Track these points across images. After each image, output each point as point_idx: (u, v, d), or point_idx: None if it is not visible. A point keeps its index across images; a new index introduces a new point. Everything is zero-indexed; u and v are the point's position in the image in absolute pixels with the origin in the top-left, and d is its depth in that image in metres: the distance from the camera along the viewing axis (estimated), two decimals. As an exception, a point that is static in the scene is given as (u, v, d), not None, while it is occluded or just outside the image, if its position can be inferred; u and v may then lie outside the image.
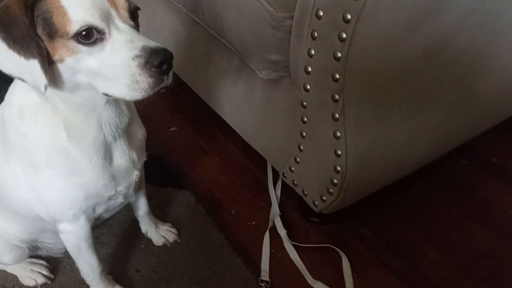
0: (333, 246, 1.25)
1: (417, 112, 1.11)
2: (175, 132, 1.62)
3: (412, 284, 1.18)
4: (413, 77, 1.01)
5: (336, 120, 0.99)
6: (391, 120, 1.07)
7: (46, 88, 0.69)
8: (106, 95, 0.74)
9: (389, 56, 0.92)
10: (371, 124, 1.04)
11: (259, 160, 1.43)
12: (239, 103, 1.31)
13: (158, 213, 1.30)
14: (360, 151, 1.06)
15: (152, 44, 0.70)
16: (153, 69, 0.70)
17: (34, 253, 1.16)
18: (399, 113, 1.07)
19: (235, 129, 1.41)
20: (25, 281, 1.16)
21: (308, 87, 1.00)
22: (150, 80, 0.70)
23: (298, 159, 1.17)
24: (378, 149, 1.10)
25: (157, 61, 0.69)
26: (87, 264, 1.04)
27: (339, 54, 0.88)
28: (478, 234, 1.29)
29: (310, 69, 0.97)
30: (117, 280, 1.15)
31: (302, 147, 1.14)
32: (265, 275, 1.18)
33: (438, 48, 0.97)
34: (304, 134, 1.10)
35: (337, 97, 0.95)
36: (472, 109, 1.25)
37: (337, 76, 0.92)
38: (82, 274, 1.08)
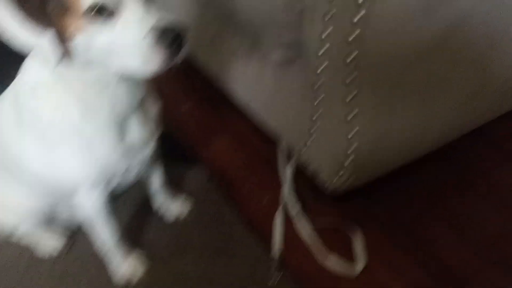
0: (345, 225, 1.25)
1: (432, 96, 1.09)
2: (187, 112, 1.63)
3: (424, 263, 1.18)
4: (428, 61, 0.99)
5: (350, 100, 0.98)
6: (405, 102, 1.05)
7: (57, 64, 0.70)
8: (118, 72, 0.74)
9: (404, 37, 0.91)
10: (385, 106, 1.03)
11: (271, 140, 1.44)
12: (251, 83, 1.31)
13: (171, 189, 1.32)
14: (374, 131, 1.05)
15: (165, 21, 0.70)
16: (165, 46, 0.70)
17: (50, 224, 1.20)
18: (413, 96, 1.05)
19: (246, 109, 1.41)
20: (42, 250, 1.20)
21: (322, 67, 0.99)
22: (162, 57, 0.71)
23: (311, 139, 1.17)
24: (393, 129, 1.09)
25: (168, 38, 0.70)
26: (103, 235, 1.07)
27: (354, 35, 0.87)
28: (492, 218, 1.28)
29: (323, 49, 0.95)
30: (131, 251, 1.18)
31: (314, 127, 1.13)
32: (276, 251, 1.20)
33: (455, 30, 0.95)
34: (316, 115, 1.10)
35: (351, 78, 0.94)
36: (487, 92, 1.22)
37: (352, 56, 0.90)
38: (98, 244, 1.11)
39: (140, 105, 0.91)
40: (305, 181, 1.37)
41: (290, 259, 1.20)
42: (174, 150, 1.46)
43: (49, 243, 1.20)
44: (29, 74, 0.83)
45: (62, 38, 0.71)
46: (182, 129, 1.55)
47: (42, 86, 0.81)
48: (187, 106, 1.65)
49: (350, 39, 0.87)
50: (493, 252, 1.21)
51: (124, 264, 1.14)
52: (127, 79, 0.83)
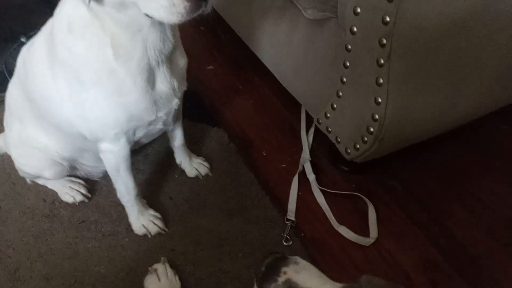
0: (360, 195, 1.26)
1: (464, 68, 1.07)
2: (212, 71, 1.62)
3: (436, 239, 1.19)
4: (466, 30, 0.96)
5: (380, 66, 0.97)
6: (437, 73, 1.03)
7: (90, 0, 0.70)
8: (147, 16, 0.74)
9: (444, 2, 0.88)
10: (416, 74, 1.01)
11: (293, 105, 1.43)
12: (280, 44, 1.29)
13: (192, 147, 1.33)
14: (401, 100, 1.04)
15: None
16: None
17: (73, 173, 1.22)
18: (446, 67, 1.03)
19: (272, 71, 1.39)
20: (64, 197, 1.23)
21: (355, 29, 0.97)
22: (187, 4, 0.70)
23: (335, 105, 1.16)
24: (419, 101, 1.08)
25: None
26: (124, 186, 1.08)
27: (393, -5, 0.85)
28: (510, 199, 1.27)
29: (359, 10, 0.93)
30: (150, 205, 1.20)
31: (340, 93, 1.12)
32: (291, 214, 1.21)
33: (489, 4, 0.92)
34: (345, 79, 1.09)
35: (384, 41, 0.92)
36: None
37: (388, 19, 0.88)
38: (118, 195, 1.13)
39: (170, 56, 0.91)
40: (325, 148, 1.37)
41: (304, 224, 1.21)
42: (197, 109, 1.46)
43: (72, 191, 1.22)
44: (65, 11, 0.83)
45: None
46: (205, 88, 1.55)
47: (78, 23, 0.81)
48: (212, 66, 1.64)
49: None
50: (506, 234, 1.20)
51: (142, 219, 1.16)
52: (159, 26, 0.83)
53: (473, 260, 1.16)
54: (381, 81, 0.99)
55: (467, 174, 1.34)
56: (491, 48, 1.05)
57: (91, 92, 0.86)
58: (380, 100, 1.02)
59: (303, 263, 0.65)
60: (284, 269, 0.63)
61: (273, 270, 0.64)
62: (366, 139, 1.12)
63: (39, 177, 1.20)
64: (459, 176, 1.33)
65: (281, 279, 0.63)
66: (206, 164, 1.30)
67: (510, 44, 1.07)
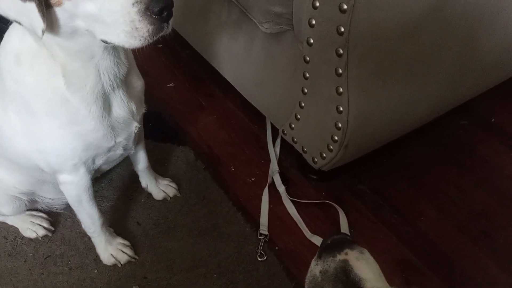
0: (331, 202, 1.26)
1: (420, 70, 1.09)
2: (173, 89, 1.60)
3: (408, 240, 1.21)
4: (418, 34, 0.99)
5: (339, 75, 0.98)
6: (394, 77, 1.05)
7: (43, 32, 0.67)
8: (105, 42, 0.72)
9: (395, 9, 0.90)
10: (374, 80, 1.02)
11: (258, 118, 1.42)
12: (239, 58, 1.28)
13: (158, 168, 1.30)
14: (362, 107, 1.05)
15: None
16: (154, 16, 0.68)
17: (33, 206, 1.17)
18: (403, 71, 1.05)
19: (234, 85, 1.39)
20: (26, 233, 1.17)
21: (312, 41, 0.98)
22: (150, 27, 0.69)
23: (299, 116, 1.16)
24: (380, 106, 1.09)
25: (157, 7, 0.67)
26: (88, 216, 1.04)
27: (345, 6, 0.86)
28: (475, 193, 1.31)
29: (314, 22, 0.94)
30: (118, 233, 1.16)
31: (303, 104, 1.13)
32: (264, 229, 1.20)
33: (444, 3, 0.95)
34: (306, 90, 1.09)
35: (341, 51, 0.93)
36: (474, 68, 1.23)
37: (342, 29, 0.89)
38: (83, 226, 1.09)
39: (125, 79, 0.89)
40: (292, 158, 1.37)
41: (277, 237, 1.21)
42: (159, 129, 1.43)
43: (33, 225, 1.17)
44: (11, 43, 0.80)
45: (48, 5, 0.67)
46: (167, 106, 1.53)
47: (26, 54, 0.78)
48: (173, 83, 1.61)
49: (344, 8, 0.86)
50: (475, 227, 1.24)
51: (110, 248, 1.12)
52: (113, 50, 0.80)
53: (445, 256, 1.18)
54: (341, 90, 1.00)
55: (432, 171, 1.37)
56: (444, 49, 1.08)
57: (44, 122, 0.83)
58: (341, 108, 1.03)
59: (368, 256, 0.66)
60: (347, 250, 0.65)
61: (338, 246, 0.66)
62: (331, 147, 1.13)
63: (-2, 212, 1.14)
64: (425, 174, 1.36)
65: (340, 257, 0.65)
66: (173, 184, 1.27)
67: (460, 44, 1.10)
